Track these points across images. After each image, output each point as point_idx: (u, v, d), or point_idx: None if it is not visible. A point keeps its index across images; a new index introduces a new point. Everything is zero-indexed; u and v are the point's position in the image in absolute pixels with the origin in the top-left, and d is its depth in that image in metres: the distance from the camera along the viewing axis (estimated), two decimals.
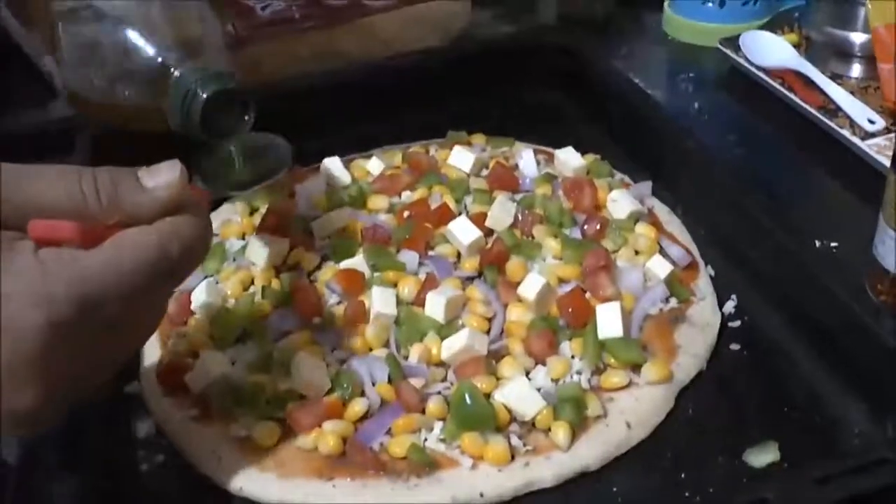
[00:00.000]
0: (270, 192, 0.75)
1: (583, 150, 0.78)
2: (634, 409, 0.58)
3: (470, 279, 0.67)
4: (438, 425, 0.57)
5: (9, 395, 0.42)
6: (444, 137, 0.83)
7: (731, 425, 0.58)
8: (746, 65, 0.91)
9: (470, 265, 0.67)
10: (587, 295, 0.64)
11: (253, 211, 0.76)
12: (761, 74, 0.89)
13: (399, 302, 0.64)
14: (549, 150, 0.80)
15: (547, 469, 0.54)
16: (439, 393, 0.58)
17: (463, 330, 0.61)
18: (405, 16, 0.97)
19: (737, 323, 0.65)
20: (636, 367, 0.59)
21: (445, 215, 0.71)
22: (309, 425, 0.56)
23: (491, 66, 0.92)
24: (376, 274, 0.66)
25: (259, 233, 0.71)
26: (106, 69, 0.67)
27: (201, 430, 0.58)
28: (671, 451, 0.56)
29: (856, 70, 0.89)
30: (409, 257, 0.68)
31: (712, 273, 0.68)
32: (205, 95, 0.61)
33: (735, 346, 0.63)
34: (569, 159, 0.77)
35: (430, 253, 0.69)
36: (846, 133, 0.80)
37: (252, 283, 0.68)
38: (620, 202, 0.72)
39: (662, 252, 0.68)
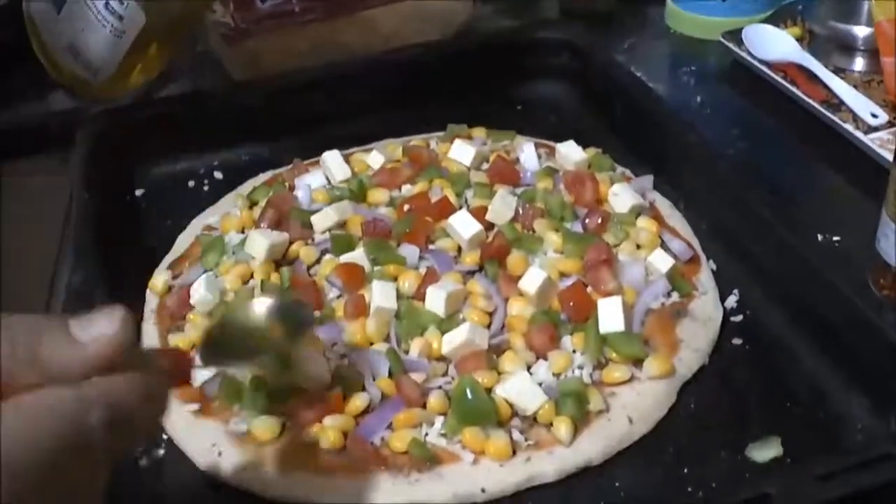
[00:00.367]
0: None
1: (584, 144, 0.78)
2: (636, 403, 0.57)
3: (471, 273, 0.67)
4: (439, 420, 0.56)
5: None
6: (444, 131, 0.82)
7: (734, 420, 0.57)
8: (749, 58, 0.91)
9: (471, 259, 0.67)
10: (588, 289, 0.64)
11: (252, 204, 0.75)
12: (764, 68, 0.89)
13: (399, 296, 0.63)
14: (551, 143, 0.80)
15: (549, 464, 0.54)
16: (440, 387, 0.58)
17: (464, 324, 0.60)
18: (406, 9, 0.97)
19: (739, 317, 0.64)
20: (638, 362, 0.59)
21: (446, 209, 0.70)
22: (309, 420, 0.56)
23: (492, 60, 0.92)
24: (376, 268, 0.66)
25: (258, 226, 0.71)
26: None
27: (201, 425, 0.58)
28: (673, 446, 0.56)
29: (859, 64, 0.88)
30: (409, 251, 0.67)
31: (714, 267, 0.68)
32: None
33: (737, 341, 0.63)
34: (570, 153, 0.77)
35: (431, 247, 0.68)
36: (849, 127, 0.79)
37: (251, 276, 0.68)
38: (622, 196, 0.71)
39: (664, 246, 0.68)
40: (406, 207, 0.71)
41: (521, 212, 0.70)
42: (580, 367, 0.59)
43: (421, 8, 0.97)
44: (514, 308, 0.63)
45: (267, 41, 0.93)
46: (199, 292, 0.65)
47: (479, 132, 0.82)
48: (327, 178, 0.77)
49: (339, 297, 0.65)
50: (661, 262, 0.66)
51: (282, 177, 0.79)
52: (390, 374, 0.59)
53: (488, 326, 0.62)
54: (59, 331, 0.37)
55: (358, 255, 0.67)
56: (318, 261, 0.69)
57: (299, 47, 0.93)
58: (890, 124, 0.79)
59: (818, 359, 0.60)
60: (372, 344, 0.61)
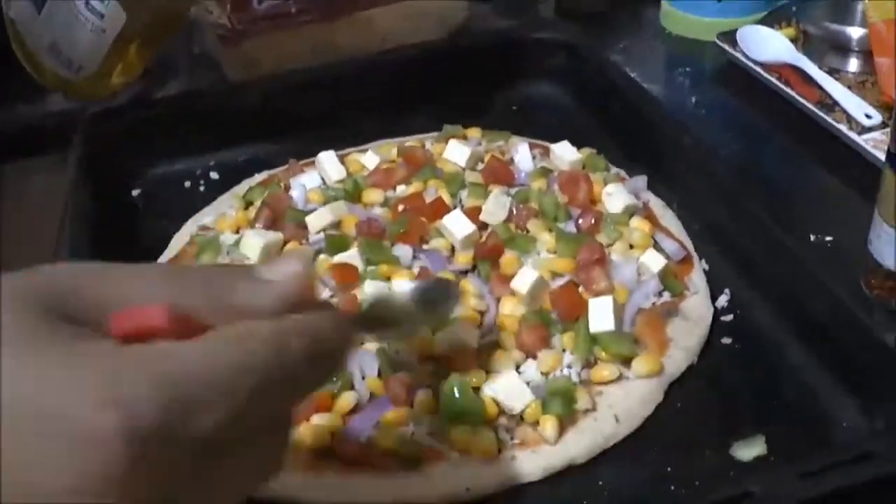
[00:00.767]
0: None
1: (579, 144, 0.78)
2: (623, 402, 0.58)
3: (463, 273, 0.67)
4: (427, 419, 0.57)
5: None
6: (440, 131, 0.83)
7: (720, 419, 0.58)
8: (744, 59, 0.91)
9: (464, 259, 0.67)
10: (580, 289, 0.64)
11: (247, 205, 0.76)
12: (758, 69, 0.89)
13: None
14: (545, 143, 0.80)
15: (534, 462, 0.54)
16: (429, 387, 0.58)
17: (455, 323, 0.61)
18: (403, 9, 0.97)
19: (729, 317, 0.64)
20: (627, 361, 0.59)
21: (440, 209, 0.71)
22: (298, 419, 0.56)
23: (488, 60, 0.92)
24: (370, 268, 0.66)
25: (253, 227, 0.72)
26: None
27: None
28: (658, 445, 0.56)
29: (853, 65, 0.88)
30: (403, 251, 0.68)
31: (706, 267, 0.68)
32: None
33: (727, 340, 0.63)
34: (564, 153, 0.77)
35: (425, 247, 0.69)
36: (843, 128, 0.79)
37: None
38: (615, 196, 0.71)
39: (657, 246, 0.68)
40: (401, 208, 0.72)
41: (514, 212, 0.71)
42: (569, 367, 0.59)
43: (417, 8, 0.98)
44: (505, 307, 0.63)
45: (263, 42, 0.94)
46: None
47: (474, 133, 0.82)
48: (322, 179, 0.77)
49: (332, 296, 0.65)
50: (653, 261, 0.66)
51: (277, 177, 0.79)
52: (379, 374, 0.59)
53: (479, 326, 0.62)
54: (249, 273, 0.38)
55: (352, 255, 0.68)
56: (311, 260, 0.69)
57: (296, 48, 0.93)
58: (884, 125, 0.79)
59: (807, 358, 0.61)
60: (362, 343, 0.61)
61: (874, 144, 0.76)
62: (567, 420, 0.56)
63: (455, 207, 0.72)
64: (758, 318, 0.64)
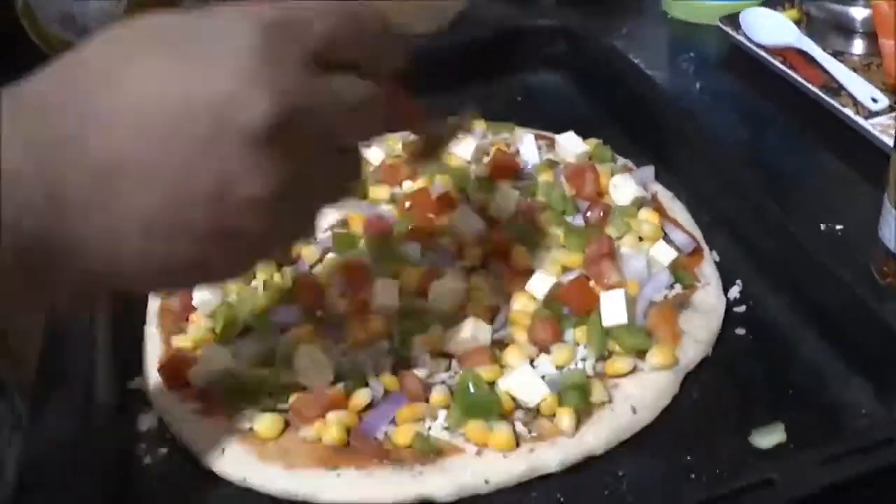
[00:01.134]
0: None
1: (584, 134, 0.78)
2: (639, 394, 0.57)
3: (473, 269, 0.66)
4: (442, 414, 0.56)
5: (245, 102, 0.41)
6: None
7: (736, 408, 0.57)
8: (747, 43, 0.90)
9: (473, 255, 0.67)
10: (591, 283, 0.64)
11: None
12: (762, 53, 0.89)
13: (402, 293, 0.63)
14: (550, 135, 0.80)
15: (552, 455, 0.54)
16: (443, 382, 0.58)
17: (466, 320, 0.60)
18: (402, 1, 0.96)
19: (742, 308, 0.64)
20: (641, 353, 0.59)
21: (447, 204, 0.70)
22: (312, 416, 0.56)
23: (489, 49, 0.91)
24: (379, 266, 0.66)
25: None
26: None
27: (205, 424, 0.58)
28: (676, 435, 0.56)
29: (858, 46, 0.88)
30: (411, 248, 0.67)
31: (717, 258, 0.68)
32: None
33: (740, 331, 0.63)
34: (570, 144, 0.77)
35: (433, 243, 0.68)
36: (849, 112, 0.79)
37: (254, 277, 0.68)
38: (623, 188, 0.71)
39: (666, 238, 0.68)
40: (407, 204, 0.72)
41: (522, 206, 0.70)
42: (583, 360, 0.59)
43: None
44: (516, 303, 0.63)
45: None
46: (202, 293, 0.65)
47: (479, 124, 0.82)
48: None
49: (341, 295, 0.65)
50: (664, 254, 0.66)
51: None
52: (393, 371, 0.59)
53: (491, 321, 0.62)
54: None
55: (360, 253, 0.67)
56: (320, 259, 0.69)
57: None
58: (891, 109, 0.78)
59: (821, 347, 0.60)
60: (375, 341, 0.61)
61: (881, 129, 0.76)
62: (583, 412, 0.56)
63: (462, 202, 0.71)
64: (770, 308, 0.64)
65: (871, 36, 0.86)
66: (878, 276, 0.63)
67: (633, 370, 0.59)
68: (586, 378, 0.57)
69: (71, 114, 0.40)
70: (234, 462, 0.56)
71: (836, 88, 0.82)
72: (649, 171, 0.75)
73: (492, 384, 0.57)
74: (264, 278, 0.67)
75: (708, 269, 0.66)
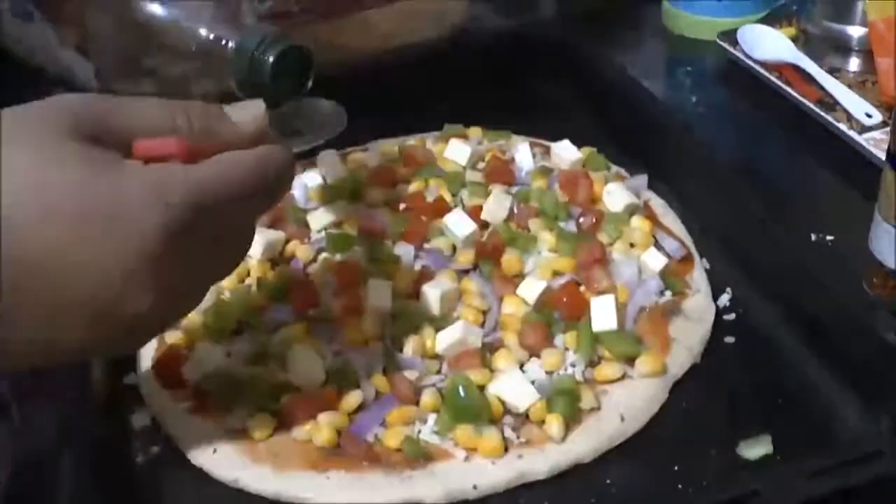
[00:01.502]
0: None
1: (579, 143, 0.78)
2: (628, 401, 0.58)
3: (465, 272, 0.67)
4: (432, 417, 0.57)
5: (129, 297, 0.44)
6: (440, 131, 0.83)
7: (725, 418, 0.58)
8: (744, 59, 0.91)
9: (465, 258, 0.67)
10: (582, 288, 0.64)
11: None
12: (759, 68, 0.89)
13: (395, 295, 0.64)
14: (546, 142, 0.80)
15: (540, 461, 0.55)
16: (434, 385, 0.59)
17: (457, 323, 0.61)
18: (403, 9, 0.97)
19: (731, 316, 0.65)
20: (630, 360, 0.59)
21: (441, 208, 0.71)
22: (304, 417, 0.57)
23: (489, 60, 0.92)
24: (372, 267, 0.66)
25: None
26: (149, 55, 0.70)
27: (197, 422, 0.58)
28: (665, 444, 0.56)
29: (853, 64, 0.89)
30: (404, 250, 0.68)
31: (707, 266, 0.68)
32: (272, 58, 0.64)
33: (729, 339, 0.63)
34: (565, 152, 0.77)
35: (426, 246, 0.69)
36: (843, 127, 0.80)
37: (248, 275, 0.68)
38: (616, 195, 0.72)
39: (657, 245, 0.68)
40: (402, 207, 0.72)
41: (515, 211, 0.71)
42: (573, 366, 0.59)
43: (418, 8, 0.98)
44: (507, 307, 0.64)
45: None
46: None
47: (475, 132, 0.82)
48: (324, 178, 0.77)
49: (334, 295, 0.65)
50: (655, 260, 0.66)
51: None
52: (385, 372, 0.59)
53: (482, 325, 0.63)
54: (221, 111, 0.50)
55: (354, 254, 0.68)
56: (314, 259, 0.69)
57: None
58: (884, 124, 0.79)
59: (810, 357, 0.61)
60: (367, 342, 0.62)
61: (875, 143, 0.77)
62: (572, 419, 0.56)
63: (456, 206, 0.72)
64: (760, 317, 0.64)
65: (867, 54, 0.86)
66: (868, 287, 0.63)
67: (623, 377, 0.59)
68: (575, 384, 0.58)
69: None
70: (225, 462, 0.56)
71: (831, 104, 0.83)
72: (642, 179, 0.76)
73: (482, 388, 0.57)
74: (258, 276, 0.67)
75: (698, 276, 0.67)
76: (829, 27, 0.90)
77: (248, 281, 0.68)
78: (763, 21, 0.95)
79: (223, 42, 0.66)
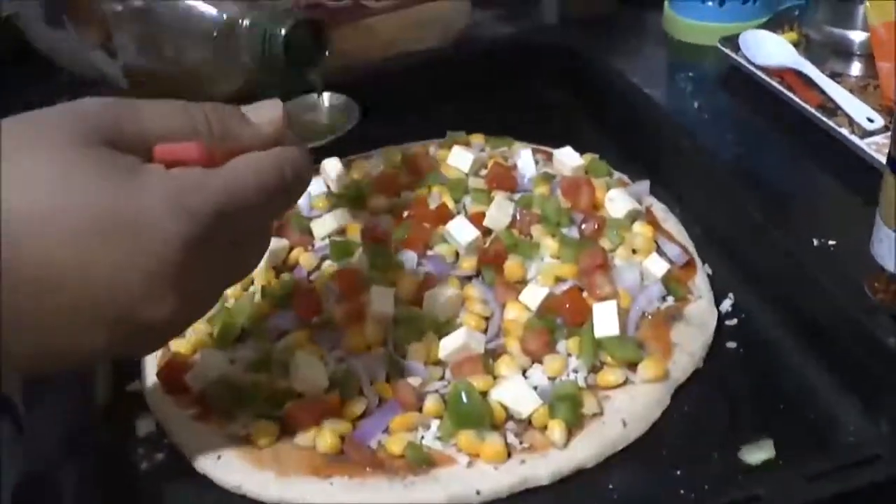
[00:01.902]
0: None
1: (581, 150, 0.79)
2: (630, 406, 0.58)
3: (468, 278, 0.67)
4: (435, 423, 0.57)
5: (150, 304, 0.44)
6: (443, 138, 0.83)
7: (727, 423, 0.58)
8: (746, 64, 0.91)
9: (468, 265, 0.68)
10: (584, 294, 0.64)
11: None
12: (761, 74, 0.89)
13: (397, 301, 0.64)
14: (548, 149, 0.80)
15: (543, 467, 0.55)
16: (436, 391, 0.59)
17: (460, 329, 0.61)
18: (406, 17, 0.97)
19: (733, 321, 0.65)
20: (632, 366, 0.60)
21: (444, 215, 0.71)
22: (307, 424, 0.57)
23: (491, 66, 0.93)
24: (375, 274, 0.67)
25: None
26: (169, 43, 0.73)
27: (201, 429, 0.59)
28: (667, 449, 0.56)
29: (855, 69, 0.89)
30: (407, 257, 0.68)
31: (709, 272, 0.68)
32: (284, 31, 0.65)
33: (731, 345, 0.63)
34: (567, 159, 0.77)
35: (429, 252, 0.69)
36: (845, 132, 0.80)
37: (251, 283, 0.68)
38: (618, 201, 0.72)
39: (659, 251, 0.68)
40: (405, 214, 0.72)
41: (518, 217, 0.71)
42: (575, 371, 0.60)
43: (420, 15, 0.98)
44: (510, 313, 0.64)
45: None
46: None
47: (478, 138, 0.83)
48: (327, 185, 0.78)
49: (337, 302, 0.66)
50: (657, 266, 0.66)
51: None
52: (387, 379, 0.60)
53: (485, 331, 0.63)
54: (240, 113, 0.50)
55: (357, 261, 0.68)
56: (317, 267, 0.70)
57: None
58: (886, 129, 0.79)
59: (811, 361, 0.61)
60: (370, 348, 0.62)
61: (876, 148, 0.77)
62: (574, 425, 0.56)
63: (459, 213, 0.72)
64: (762, 322, 0.64)
65: (869, 58, 0.86)
66: (870, 292, 0.63)
67: (625, 382, 0.59)
68: (578, 389, 0.58)
69: None
70: (229, 469, 0.56)
71: (833, 109, 0.83)
72: (644, 185, 0.76)
73: (484, 394, 0.57)
74: (262, 284, 0.67)
75: (700, 282, 0.67)
76: (831, 32, 0.90)
77: (251, 289, 0.68)
78: (764, 26, 0.95)
79: (239, 21, 0.67)
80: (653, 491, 0.54)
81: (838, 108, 0.83)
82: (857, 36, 0.88)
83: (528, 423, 0.57)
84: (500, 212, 0.71)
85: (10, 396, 0.64)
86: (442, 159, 0.79)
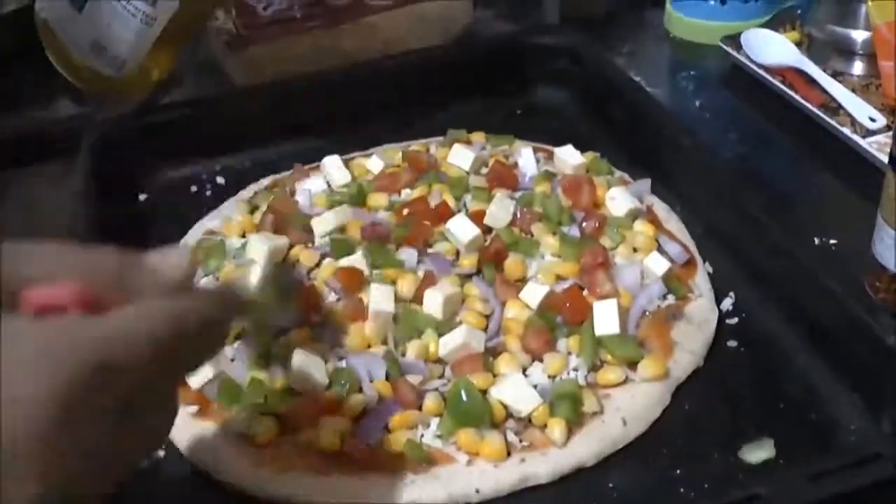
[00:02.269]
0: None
1: (583, 148, 0.78)
2: (630, 405, 0.58)
3: (468, 276, 0.67)
4: (435, 421, 0.57)
5: (9, 485, 0.33)
6: (444, 136, 0.83)
7: (728, 422, 0.58)
8: (748, 63, 0.91)
9: (468, 263, 0.67)
10: (584, 292, 0.64)
11: (253, 209, 0.76)
12: (763, 73, 0.89)
13: (397, 299, 0.64)
14: (549, 147, 0.80)
15: (542, 465, 0.55)
16: (436, 390, 0.59)
17: (460, 327, 0.61)
18: (407, 15, 0.97)
19: (734, 320, 0.65)
20: (633, 364, 0.60)
21: (444, 213, 0.71)
22: (307, 421, 0.57)
23: (492, 65, 0.92)
24: (375, 271, 0.67)
25: (259, 231, 0.72)
26: None
27: (201, 426, 0.59)
28: (667, 448, 0.56)
29: (857, 68, 0.88)
30: (407, 255, 0.68)
31: (710, 270, 0.68)
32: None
33: (732, 343, 0.63)
34: (568, 157, 0.77)
35: (429, 250, 0.69)
36: (847, 131, 0.80)
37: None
38: (619, 200, 0.72)
39: (660, 249, 0.68)
40: (405, 212, 0.72)
41: (518, 216, 0.71)
42: (575, 370, 0.60)
43: (422, 13, 0.98)
44: (510, 311, 0.64)
45: (269, 48, 0.94)
46: None
47: (479, 137, 0.83)
48: (327, 183, 0.78)
49: (337, 300, 0.65)
50: (657, 265, 0.66)
51: (282, 182, 0.80)
52: (387, 377, 0.59)
53: (485, 329, 0.63)
54: (137, 258, 0.41)
55: (357, 259, 0.68)
56: (317, 264, 0.70)
57: (301, 54, 0.94)
58: (888, 128, 0.79)
59: (812, 360, 0.61)
60: (370, 346, 0.62)
61: (878, 147, 0.77)
62: (574, 423, 0.56)
63: (459, 211, 0.72)
64: (763, 321, 0.64)
65: (871, 57, 0.86)
66: (871, 291, 0.63)
67: (625, 381, 0.59)
68: (578, 388, 0.58)
69: None
70: (228, 466, 0.56)
71: (835, 108, 0.83)
72: (645, 184, 0.76)
73: (484, 392, 0.57)
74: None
75: (701, 280, 0.67)
76: (833, 31, 0.90)
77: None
78: (767, 25, 0.95)
79: None
80: (653, 490, 0.54)
81: (840, 107, 0.83)
82: (859, 35, 0.88)
83: (527, 421, 0.57)
84: (500, 210, 0.71)
85: None
86: (442, 157, 0.79)
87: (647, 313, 0.63)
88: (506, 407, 0.57)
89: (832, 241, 0.70)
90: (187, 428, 0.59)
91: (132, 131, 0.84)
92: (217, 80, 0.97)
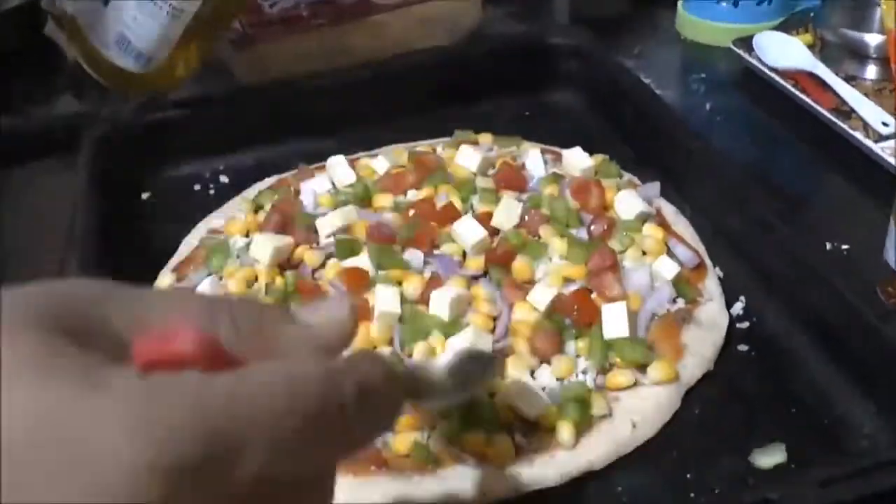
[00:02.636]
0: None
1: (591, 150, 0.78)
2: (640, 408, 0.57)
3: (475, 278, 0.66)
4: (442, 423, 0.56)
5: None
6: (451, 137, 0.82)
7: (738, 426, 0.57)
8: (760, 66, 0.90)
9: (475, 264, 0.67)
10: (593, 295, 0.63)
11: (258, 208, 0.75)
12: (774, 76, 0.88)
13: (403, 300, 0.63)
14: (557, 149, 0.80)
15: (551, 468, 0.54)
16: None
17: (467, 329, 0.60)
18: (414, 14, 0.97)
19: (745, 324, 0.64)
20: (642, 367, 0.59)
21: (451, 214, 0.70)
22: None
23: (500, 65, 0.92)
24: (381, 272, 0.66)
25: (263, 230, 0.71)
26: None
27: None
28: (677, 451, 0.55)
29: (871, 72, 0.88)
30: (413, 256, 0.67)
31: (721, 274, 0.67)
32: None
33: (743, 348, 0.62)
34: (576, 159, 0.76)
35: (436, 252, 0.68)
36: (859, 135, 0.79)
37: (256, 280, 0.68)
38: (628, 203, 0.71)
39: (670, 253, 0.67)
40: (411, 212, 0.71)
41: (526, 218, 0.70)
42: (584, 373, 0.59)
43: (429, 13, 0.98)
44: (518, 313, 0.63)
45: (274, 46, 0.94)
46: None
47: (486, 138, 0.82)
48: (333, 183, 0.77)
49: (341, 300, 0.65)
50: (667, 268, 0.65)
51: (287, 181, 0.79)
52: None
53: (492, 331, 0.62)
54: (283, 311, 0.36)
55: (362, 260, 0.67)
56: (322, 265, 0.69)
57: (307, 52, 0.93)
58: None
59: (824, 365, 0.60)
60: (375, 348, 0.61)
61: (891, 152, 0.76)
62: (583, 426, 0.55)
63: (466, 213, 0.71)
64: (774, 325, 0.63)
65: (885, 62, 0.85)
66: (883, 296, 0.62)
67: (635, 384, 0.58)
68: (587, 391, 0.57)
69: None
70: None
71: (848, 112, 0.82)
72: (655, 187, 0.75)
73: (492, 394, 0.56)
74: (266, 282, 0.66)
75: (711, 284, 0.66)
76: (846, 34, 0.89)
77: (256, 286, 0.67)
78: (779, 28, 0.95)
79: None
80: (662, 494, 0.53)
81: (853, 111, 0.82)
82: (872, 39, 0.87)
83: (535, 424, 0.56)
84: (508, 212, 0.70)
85: None
86: (449, 158, 0.78)
87: (657, 317, 0.63)
88: (513, 409, 0.56)
89: (844, 246, 0.69)
90: None
91: (135, 129, 0.84)
92: (222, 78, 0.96)
